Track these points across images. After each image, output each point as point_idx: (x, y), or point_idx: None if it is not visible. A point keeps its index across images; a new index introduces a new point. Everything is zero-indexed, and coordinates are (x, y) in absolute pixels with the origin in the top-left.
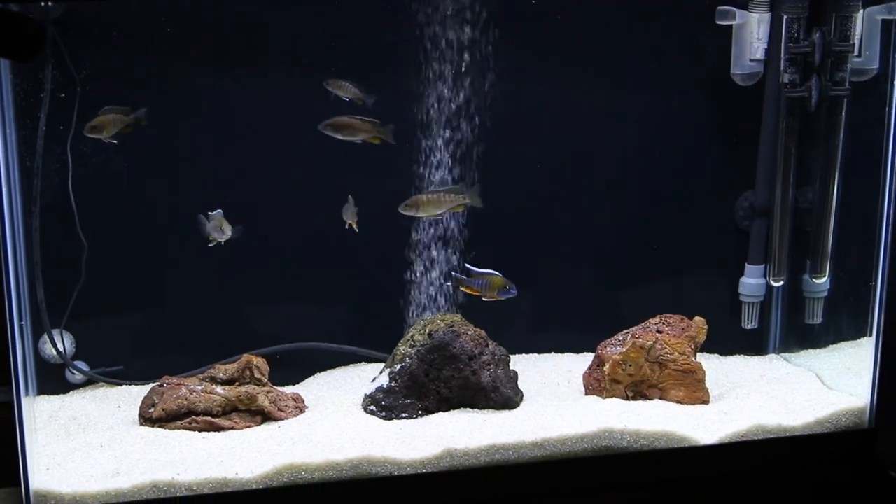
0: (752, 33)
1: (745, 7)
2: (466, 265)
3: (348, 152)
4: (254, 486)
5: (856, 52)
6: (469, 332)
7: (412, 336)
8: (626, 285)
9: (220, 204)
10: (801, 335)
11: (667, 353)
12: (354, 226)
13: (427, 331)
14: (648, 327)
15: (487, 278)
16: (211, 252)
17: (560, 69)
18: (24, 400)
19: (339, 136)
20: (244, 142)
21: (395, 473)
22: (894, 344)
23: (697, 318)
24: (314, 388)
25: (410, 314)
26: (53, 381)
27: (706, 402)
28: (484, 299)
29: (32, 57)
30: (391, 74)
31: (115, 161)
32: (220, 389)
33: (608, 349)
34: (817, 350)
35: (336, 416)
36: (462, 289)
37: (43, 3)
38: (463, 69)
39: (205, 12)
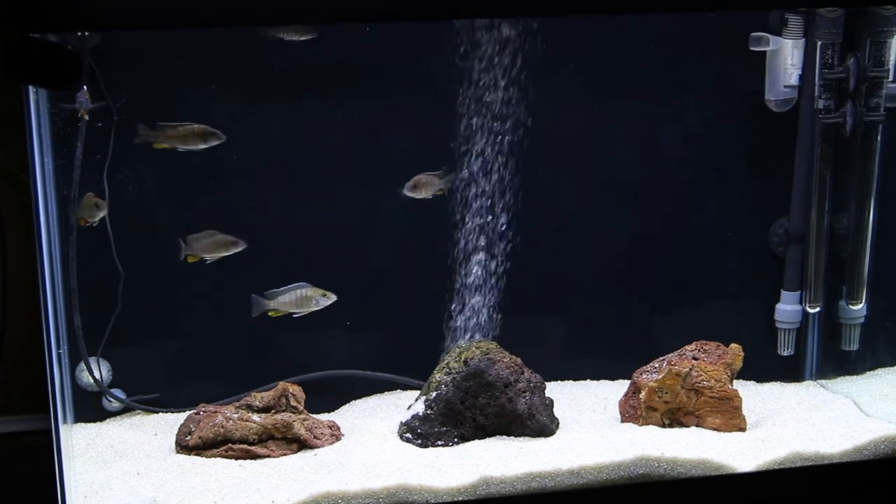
0: (786, 59)
1: (778, 33)
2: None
3: (385, 179)
4: None
5: (891, 78)
6: (505, 360)
7: (447, 363)
8: (662, 312)
9: (257, 232)
10: (837, 362)
11: (703, 381)
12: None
13: (462, 358)
14: (684, 354)
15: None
16: (247, 279)
17: (596, 95)
18: (61, 428)
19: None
20: (282, 169)
21: (432, 501)
22: None
23: (733, 345)
24: (350, 415)
25: (446, 341)
26: (90, 408)
27: (743, 429)
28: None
29: (69, 86)
30: (422, 97)
31: (151, 189)
32: (256, 417)
33: (644, 376)
34: (854, 376)
35: (372, 444)
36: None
37: (80, 33)
38: (497, 95)
39: (238, 40)
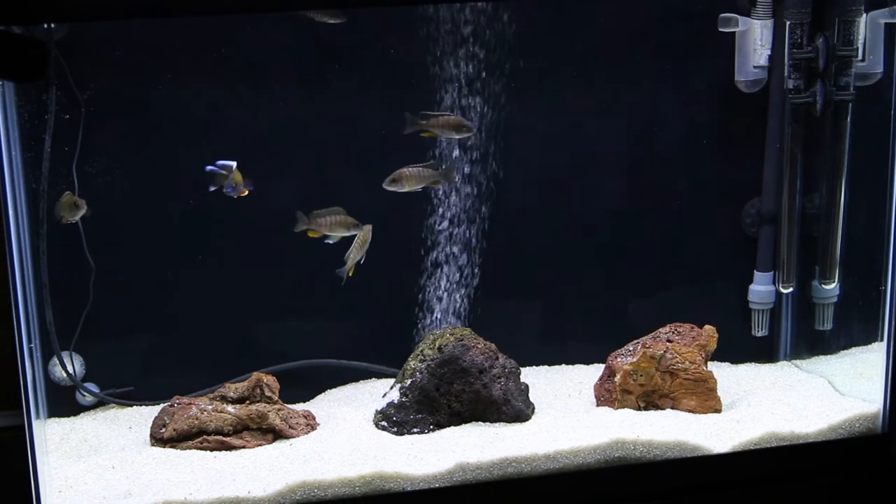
0: (756, 40)
1: (747, 14)
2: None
3: (356, 168)
4: None
5: (860, 57)
6: (479, 346)
7: (422, 350)
8: (636, 295)
9: (228, 222)
10: (811, 341)
11: (678, 363)
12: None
13: (437, 345)
14: (659, 337)
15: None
16: (219, 271)
17: (564, 77)
18: (34, 423)
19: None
20: (251, 160)
21: (408, 489)
22: None
23: (707, 327)
24: (325, 404)
25: (420, 328)
26: (64, 403)
27: (718, 410)
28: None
29: (36, 79)
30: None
31: (121, 182)
32: (230, 408)
33: (619, 359)
34: (828, 356)
35: (347, 433)
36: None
37: (46, 25)
38: (468, 77)
39: (207, 29)
